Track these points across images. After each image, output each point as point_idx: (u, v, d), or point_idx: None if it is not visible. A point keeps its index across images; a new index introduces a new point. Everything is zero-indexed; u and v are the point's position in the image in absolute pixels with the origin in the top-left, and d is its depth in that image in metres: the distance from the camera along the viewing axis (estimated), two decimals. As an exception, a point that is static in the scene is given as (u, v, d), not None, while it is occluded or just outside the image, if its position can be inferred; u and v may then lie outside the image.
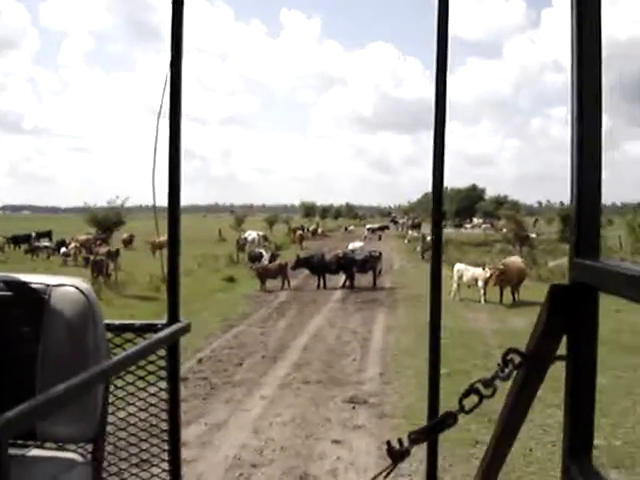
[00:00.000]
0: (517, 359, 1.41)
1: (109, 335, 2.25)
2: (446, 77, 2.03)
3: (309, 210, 66.00)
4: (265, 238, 36.67)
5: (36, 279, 2.05)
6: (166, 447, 2.39)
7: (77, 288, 2.01)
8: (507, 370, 1.41)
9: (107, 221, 25.56)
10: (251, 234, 36.27)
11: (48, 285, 2.00)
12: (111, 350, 2.25)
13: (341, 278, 19.30)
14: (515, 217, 30.81)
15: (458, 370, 8.33)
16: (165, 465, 2.40)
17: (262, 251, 23.66)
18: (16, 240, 35.43)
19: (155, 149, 2.28)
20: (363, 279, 19.12)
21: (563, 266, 24.53)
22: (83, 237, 30.53)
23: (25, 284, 2.03)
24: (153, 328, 2.35)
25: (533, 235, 35.42)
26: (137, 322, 2.41)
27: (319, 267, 19.21)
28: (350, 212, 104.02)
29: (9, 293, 2.00)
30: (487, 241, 40.62)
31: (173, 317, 2.35)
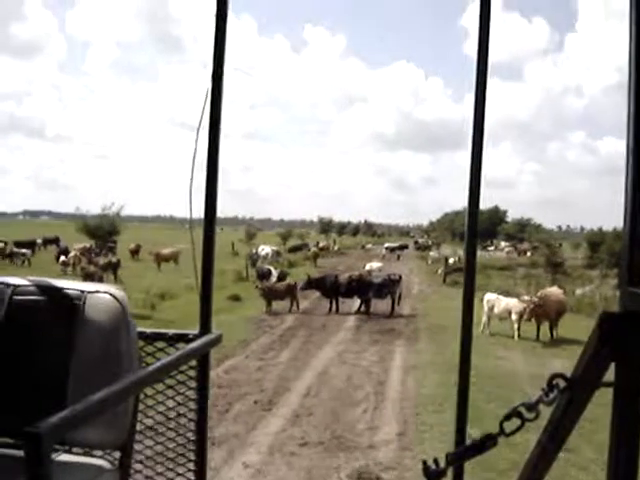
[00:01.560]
0: (562, 384, 1.35)
1: (140, 343, 2.22)
2: (485, 104, 2.04)
3: (326, 226, 63.91)
4: (278, 253, 34.98)
5: (71, 285, 2.07)
6: (192, 457, 2.34)
7: (112, 295, 2.02)
8: (552, 395, 1.34)
9: (100, 230, 23.85)
10: (264, 249, 34.61)
11: (83, 291, 2.02)
12: (142, 358, 2.24)
13: (355, 301, 17.48)
14: (548, 241, 28.71)
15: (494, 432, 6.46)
16: (191, 475, 2.35)
17: (271, 268, 21.79)
18: (19, 246, 34.05)
19: (193, 162, 2.31)
20: (379, 304, 17.23)
21: (592, 294, 22.65)
22: (80, 246, 28.94)
23: (60, 290, 2.04)
24: (185, 338, 2.32)
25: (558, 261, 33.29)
26: (169, 331, 2.39)
27: (331, 289, 17.30)
28: (368, 230, 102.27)
29: (44, 298, 2.03)
30: (511, 265, 38.69)
31: (205, 328, 2.33)
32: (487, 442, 1.40)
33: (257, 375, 9.75)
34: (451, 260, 29.95)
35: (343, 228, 79.11)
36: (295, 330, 14.04)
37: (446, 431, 6.65)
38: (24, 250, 29.98)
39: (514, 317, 13.35)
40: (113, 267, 24.06)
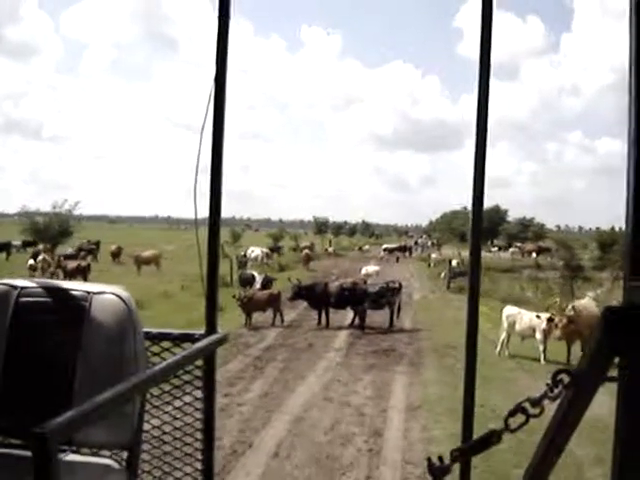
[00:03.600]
0: (567, 379, 1.32)
1: (147, 343, 2.21)
2: (487, 106, 2.05)
3: (322, 226, 61.34)
4: (268, 256, 32.62)
5: (77, 286, 2.05)
6: (199, 456, 2.32)
7: (118, 296, 2.01)
8: (556, 390, 1.31)
9: (50, 230, 21.41)
10: (254, 250, 32.27)
11: (89, 292, 2.01)
12: (148, 358, 2.22)
13: (349, 311, 15.14)
14: (566, 243, 26.29)
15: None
16: (198, 475, 2.33)
17: (254, 273, 19.39)
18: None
19: (197, 163, 2.28)
20: (376, 315, 14.90)
21: (604, 298, 20.55)
22: (42, 247, 26.62)
23: (66, 291, 2.04)
24: (191, 338, 2.30)
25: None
26: (175, 331, 2.36)
27: (321, 300, 14.88)
28: (366, 230, 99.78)
29: (51, 299, 2.02)
30: (515, 267, 36.57)
31: (211, 328, 2.32)
32: (491, 438, 1.32)
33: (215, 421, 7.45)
34: (454, 262, 27.67)
35: (340, 228, 76.51)
36: (274, 351, 11.70)
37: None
38: None
39: (539, 336, 11.03)
40: (82, 272, 21.81)
